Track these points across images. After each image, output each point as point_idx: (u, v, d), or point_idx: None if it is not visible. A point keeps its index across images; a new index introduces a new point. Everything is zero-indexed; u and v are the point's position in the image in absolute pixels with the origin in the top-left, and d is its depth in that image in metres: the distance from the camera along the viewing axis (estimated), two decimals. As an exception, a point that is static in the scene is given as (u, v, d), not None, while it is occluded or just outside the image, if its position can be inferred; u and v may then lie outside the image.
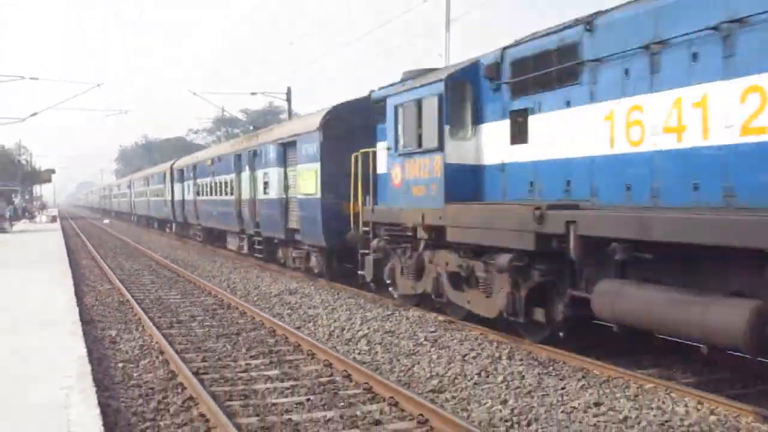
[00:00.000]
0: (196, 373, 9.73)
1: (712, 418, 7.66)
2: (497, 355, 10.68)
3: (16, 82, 39.94)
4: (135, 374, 10.04)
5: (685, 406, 8.07)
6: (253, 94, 44.73)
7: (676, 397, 8.39)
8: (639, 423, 7.56)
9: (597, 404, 8.22)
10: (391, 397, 8.60)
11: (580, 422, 7.68)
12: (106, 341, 12.29)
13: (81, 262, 27.42)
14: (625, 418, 7.72)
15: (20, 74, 39.50)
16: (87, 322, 13.35)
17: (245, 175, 26.07)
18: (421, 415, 7.88)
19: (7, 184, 65.30)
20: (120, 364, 10.58)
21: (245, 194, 25.96)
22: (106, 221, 74.03)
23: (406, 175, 14.19)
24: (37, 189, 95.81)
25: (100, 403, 7.47)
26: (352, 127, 17.91)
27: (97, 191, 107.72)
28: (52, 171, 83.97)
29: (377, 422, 7.87)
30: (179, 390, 9.19)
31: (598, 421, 7.66)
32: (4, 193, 59.86)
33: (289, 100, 43.79)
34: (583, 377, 9.41)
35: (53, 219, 65.30)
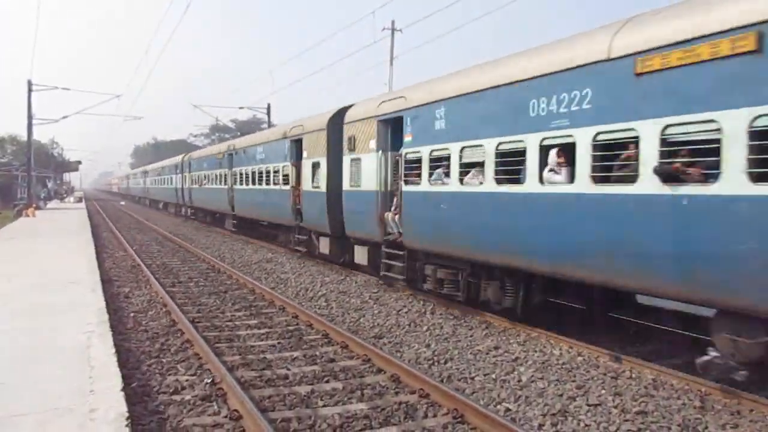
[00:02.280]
0: (192, 322, 9.57)
1: (579, 358, 7.90)
2: (423, 310, 10.78)
3: (51, 91, 38.30)
4: (144, 322, 9.81)
5: (560, 349, 8.30)
6: (240, 108, 43.71)
7: (554, 343, 8.61)
8: (527, 362, 7.74)
9: (496, 348, 8.39)
10: (343, 342, 8.61)
11: (484, 361, 7.83)
12: (121, 296, 11.97)
13: (101, 234, 26.52)
14: (516, 358, 7.89)
15: (55, 85, 37.94)
16: (105, 281, 12.95)
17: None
18: (366, 355, 7.92)
19: (42, 171, 62.84)
20: (132, 314, 10.33)
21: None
22: (123, 203, 71.79)
23: None
24: (67, 176, 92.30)
25: (115, 344, 7.27)
26: None
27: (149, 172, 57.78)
28: (79, 162, 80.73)
29: (332, 360, 7.89)
30: (179, 334, 9.03)
31: (497, 360, 7.82)
32: (40, 179, 57.63)
33: (268, 113, 43.09)
34: (486, 328, 9.57)
35: (79, 200, 63.05)
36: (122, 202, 72.15)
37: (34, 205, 37.08)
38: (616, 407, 6.18)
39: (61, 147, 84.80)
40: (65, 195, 68.96)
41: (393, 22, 33.19)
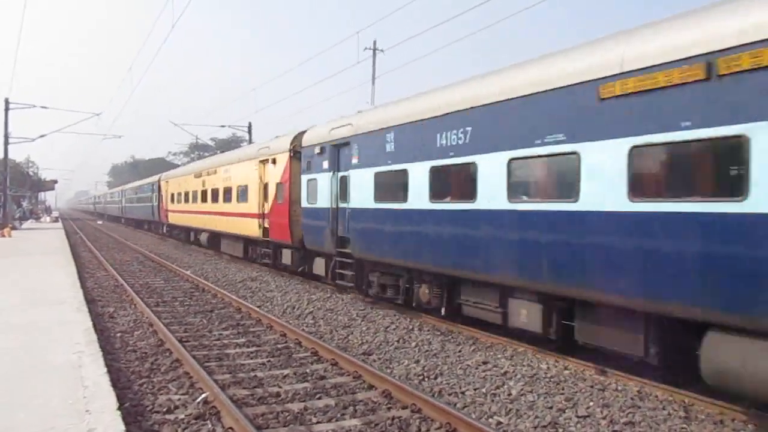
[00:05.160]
0: (180, 341, 9.54)
1: (566, 372, 8.06)
2: (411, 327, 10.87)
3: (29, 110, 37.93)
4: (131, 342, 9.76)
5: (547, 363, 8.45)
6: (222, 126, 43.70)
7: (541, 357, 8.76)
8: (515, 375, 7.89)
9: (485, 362, 8.51)
10: (333, 359, 8.67)
11: (473, 376, 7.95)
12: (106, 316, 11.87)
13: (81, 254, 26.16)
14: (505, 372, 8.03)
15: (32, 103, 37.58)
16: (89, 301, 12.80)
17: None
18: (356, 371, 7.99)
19: (17, 191, 61.86)
20: (118, 335, 10.26)
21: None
22: (100, 222, 70.82)
23: None
24: (42, 195, 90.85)
25: (105, 364, 7.25)
26: None
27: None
28: (55, 181, 79.67)
29: (322, 377, 7.93)
30: (167, 354, 9.00)
31: (486, 375, 7.95)
32: (15, 198, 56.74)
33: (249, 132, 43.10)
34: (474, 343, 9.69)
35: (55, 219, 62.06)
36: (99, 222, 71.14)
37: (9, 225, 36.48)
38: (604, 418, 6.34)
39: (36, 166, 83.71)
40: (41, 215, 67.82)
41: (374, 42, 33.68)
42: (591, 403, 6.79)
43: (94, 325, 9.60)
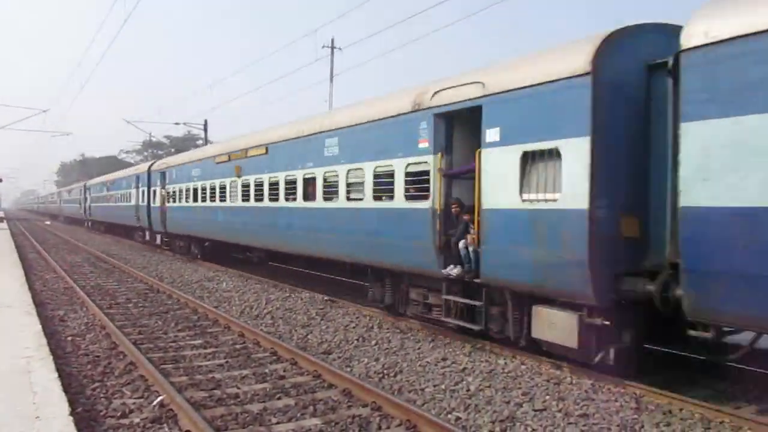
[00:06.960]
0: (134, 344, 9.30)
1: (523, 367, 8.22)
2: (371, 325, 10.89)
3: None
4: (83, 345, 9.45)
5: (504, 359, 8.60)
6: (176, 123, 42.88)
7: (498, 353, 8.91)
8: (474, 372, 7.99)
9: (444, 359, 8.60)
10: (292, 359, 8.61)
11: (432, 372, 8.02)
12: (56, 320, 11.46)
13: (28, 255, 25.15)
14: (464, 369, 8.13)
15: (-26, 99, 35.87)
16: (38, 304, 12.34)
17: None
18: (316, 370, 7.97)
19: (-42, 190, 59.05)
20: (69, 338, 9.92)
21: None
22: (48, 222, 68.33)
23: None
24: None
25: (56, 369, 7.01)
26: None
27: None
28: (-1, 180, 76.33)
29: (282, 377, 7.87)
30: (121, 357, 8.76)
31: (446, 371, 8.03)
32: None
33: (205, 129, 42.36)
34: (433, 341, 9.78)
35: (0, 220, 59.51)
36: (47, 222, 68.62)
37: (-50, 226, 34.82)
38: (560, 411, 6.49)
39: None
40: (-16, 215, 64.91)
41: (333, 40, 33.59)
42: (547, 397, 6.94)
43: (44, 329, 9.28)
